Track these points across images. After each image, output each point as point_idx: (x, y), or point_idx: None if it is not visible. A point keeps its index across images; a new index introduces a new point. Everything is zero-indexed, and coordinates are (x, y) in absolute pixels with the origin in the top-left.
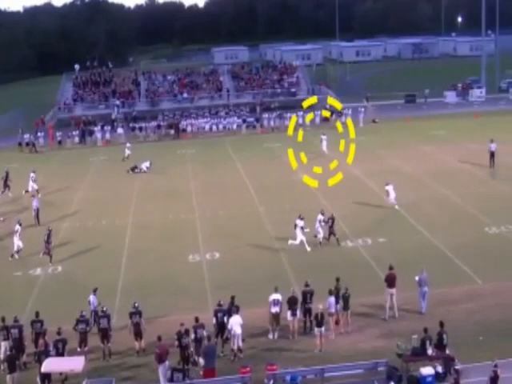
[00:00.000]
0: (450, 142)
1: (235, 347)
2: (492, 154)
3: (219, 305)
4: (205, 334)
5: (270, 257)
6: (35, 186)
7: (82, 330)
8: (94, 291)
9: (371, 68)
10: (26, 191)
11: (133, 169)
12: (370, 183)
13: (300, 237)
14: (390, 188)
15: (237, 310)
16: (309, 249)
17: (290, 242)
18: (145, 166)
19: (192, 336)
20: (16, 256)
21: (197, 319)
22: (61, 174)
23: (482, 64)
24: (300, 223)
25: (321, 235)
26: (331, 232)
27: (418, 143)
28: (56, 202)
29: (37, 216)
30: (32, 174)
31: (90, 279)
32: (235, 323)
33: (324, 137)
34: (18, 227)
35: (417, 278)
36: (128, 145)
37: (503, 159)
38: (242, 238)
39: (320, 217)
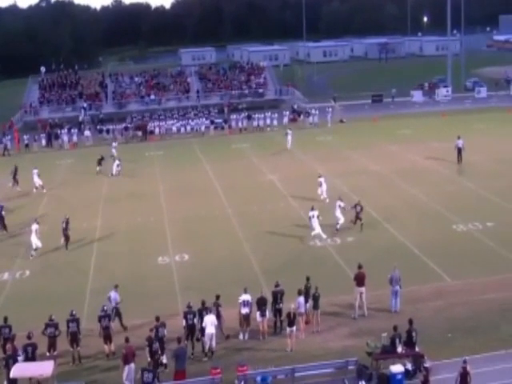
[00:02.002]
0: (417, 140)
1: (207, 347)
2: (459, 151)
3: (188, 307)
4: (165, 332)
5: (240, 258)
6: (40, 182)
7: (50, 334)
8: (116, 287)
9: (338, 68)
10: (36, 187)
11: (99, 161)
12: (337, 183)
13: (318, 227)
14: (322, 180)
15: (211, 310)
16: (325, 236)
17: (313, 233)
18: (115, 168)
19: (153, 335)
20: (34, 253)
21: (157, 318)
22: (27, 177)
23: (448, 63)
24: (314, 213)
25: (341, 221)
26: (358, 217)
27: (385, 143)
28: (23, 205)
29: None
30: (35, 170)
31: (59, 283)
32: (209, 322)
33: (289, 131)
34: (35, 226)
35: (388, 276)
36: (114, 144)
37: (469, 157)
38: (211, 240)
39: (339, 203)
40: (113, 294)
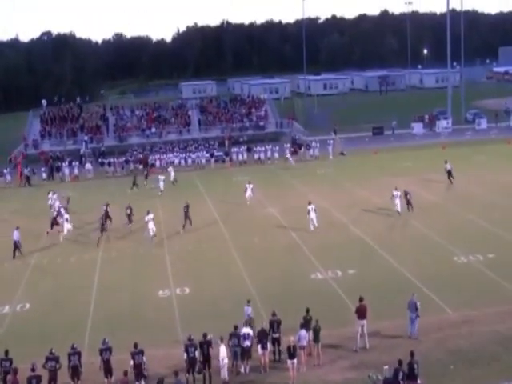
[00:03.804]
0: (417, 173)
1: (222, 377)
2: (449, 172)
3: (190, 339)
4: (144, 359)
5: (241, 290)
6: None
7: (51, 367)
8: (248, 302)
9: (339, 101)
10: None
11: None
12: (338, 215)
13: (314, 220)
14: (310, 208)
15: (221, 340)
16: (312, 228)
17: (312, 228)
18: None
19: (131, 362)
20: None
21: (135, 345)
22: (27, 209)
23: (448, 95)
24: (312, 207)
25: (398, 207)
26: (409, 203)
27: (386, 175)
28: (22, 238)
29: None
30: (51, 195)
31: (59, 316)
32: (223, 353)
33: (249, 185)
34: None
35: (407, 303)
36: (170, 168)
37: (469, 189)
38: (212, 273)
39: (395, 192)
40: (246, 309)
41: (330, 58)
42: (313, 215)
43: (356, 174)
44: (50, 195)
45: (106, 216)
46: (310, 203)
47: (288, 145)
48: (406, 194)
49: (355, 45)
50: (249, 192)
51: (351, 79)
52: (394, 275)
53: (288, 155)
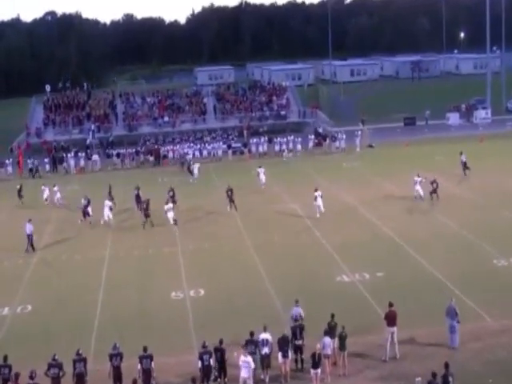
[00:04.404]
0: (452, 167)
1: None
2: (464, 164)
3: (204, 346)
4: (153, 365)
5: (259, 293)
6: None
7: (54, 375)
8: (297, 302)
9: (367, 88)
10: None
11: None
12: (364, 212)
13: (321, 207)
14: (317, 194)
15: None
16: (318, 215)
17: (318, 215)
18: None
19: (138, 366)
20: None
21: (145, 349)
22: (29, 203)
23: (487, 83)
24: (319, 193)
25: (420, 192)
26: (435, 191)
27: (417, 169)
28: (24, 237)
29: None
30: (55, 188)
31: (63, 318)
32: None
33: (261, 169)
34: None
35: (445, 310)
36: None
37: (507, 185)
38: (228, 273)
39: (417, 178)
40: (294, 310)
41: (357, 41)
42: (319, 202)
43: (385, 168)
44: (43, 187)
45: (138, 200)
46: (316, 190)
47: (312, 136)
48: (432, 182)
49: (385, 27)
50: (261, 176)
51: (381, 65)
52: (426, 278)
53: (285, 152)
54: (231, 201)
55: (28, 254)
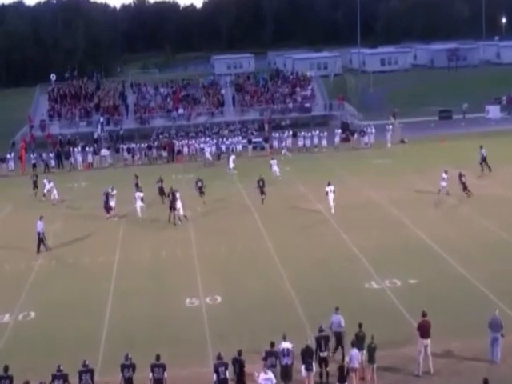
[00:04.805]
0: (493, 165)
1: None
2: (484, 160)
3: (219, 357)
4: (166, 376)
5: (281, 300)
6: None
7: None
8: (337, 309)
9: (399, 79)
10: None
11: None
12: (396, 213)
13: (331, 202)
14: (329, 189)
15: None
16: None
17: (333, 211)
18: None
19: (150, 375)
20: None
21: (157, 357)
22: (32, 201)
23: None
24: (331, 188)
25: (445, 189)
26: (465, 187)
27: (453, 166)
28: (28, 235)
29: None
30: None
31: (69, 327)
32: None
33: (274, 161)
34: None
35: (488, 321)
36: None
37: None
38: (247, 278)
39: (444, 175)
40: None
41: (388, 27)
42: (331, 197)
43: (418, 165)
44: (45, 181)
45: (161, 192)
46: (329, 184)
47: (339, 130)
48: (460, 176)
49: (419, 12)
50: (274, 168)
51: (414, 53)
52: (463, 286)
53: (284, 151)
54: (262, 192)
55: (39, 255)
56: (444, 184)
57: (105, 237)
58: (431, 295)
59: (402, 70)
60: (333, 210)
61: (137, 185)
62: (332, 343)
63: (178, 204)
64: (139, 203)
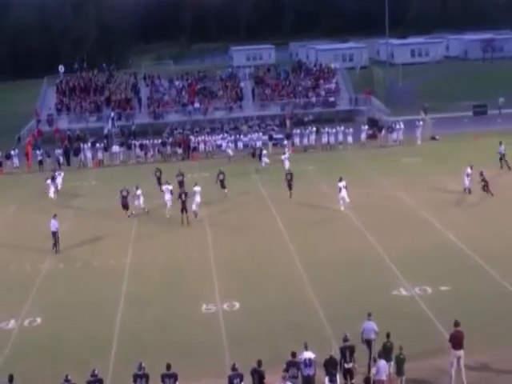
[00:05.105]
0: None
1: None
2: (503, 157)
3: (234, 369)
4: None
5: (303, 306)
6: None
7: None
8: (369, 315)
9: (430, 71)
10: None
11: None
12: (426, 215)
13: (346, 198)
14: (341, 185)
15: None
16: (342, 208)
17: (342, 208)
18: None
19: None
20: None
21: (168, 366)
22: (37, 202)
23: None
24: (343, 183)
25: (467, 187)
26: (486, 186)
27: (489, 167)
28: (33, 237)
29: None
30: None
31: (77, 333)
32: None
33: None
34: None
35: None
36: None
37: None
38: (267, 283)
39: (469, 171)
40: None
41: (419, 16)
42: (344, 193)
43: (450, 164)
44: (49, 182)
45: (181, 185)
46: (341, 180)
47: (365, 126)
48: (481, 174)
49: (451, 1)
50: (286, 162)
51: (446, 44)
52: (499, 293)
53: (285, 154)
54: (290, 186)
55: (46, 256)
56: (467, 181)
57: (116, 238)
58: (464, 303)
59: (434, 61)
60: (342, 208)
61: (159, 178)
62: (362, 352)
63: (198, 198)
64: (168, 196)
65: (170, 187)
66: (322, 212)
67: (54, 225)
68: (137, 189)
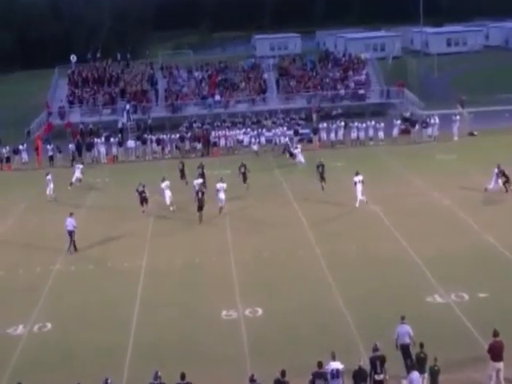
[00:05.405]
0: None
1: None
2: None
3: (252, 380)
4: None
5: (330, 313)
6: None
7: None
8: (403, 318)
9: (468, 62)
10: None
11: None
12: (463, 217)
13: (360, 193)
14: (357, 180)
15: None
16: (357, 205)
17: (357, 205)
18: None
19: None
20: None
21: (183, 376)
22: (47, 200)
23: None
24: (359, 178)
25: (491, 186)
26: (507, 181)
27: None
28: (43, 237)
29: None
30: (48, 177)
31: (89, 340)
32: None
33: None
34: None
35: None
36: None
37: None
38: (292, 289)
39: (497, 170)
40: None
41: (456, 2)
42: (359, 188)
43: (489, 161)
44: (77, 166)
45: (203, 176)
46: (357, 174)
47: (397, 121)
48: (502, 172)
49: None
50: (300, 156)
51: (485, 32)
52: None
53: (295, 149)
54: (322, 178)
55: (65, 257)
56: (494, 181)
57: (131, 238)
58: (504, 311)
59: (472, 51)
60: (357, 204)
61: (182, 171)
62: (396, 359)
63: (222, 195)
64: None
65: (201, 181)
66: (349, 211)
67: (70, 223)
68: (162, 181)
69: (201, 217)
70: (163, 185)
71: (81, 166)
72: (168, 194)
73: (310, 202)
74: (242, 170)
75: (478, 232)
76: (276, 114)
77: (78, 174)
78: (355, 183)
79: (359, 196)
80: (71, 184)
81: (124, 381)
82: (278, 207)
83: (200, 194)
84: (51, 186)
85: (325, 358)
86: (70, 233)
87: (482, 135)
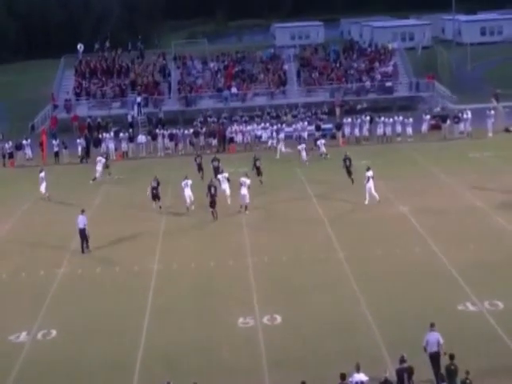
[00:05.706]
0: None
1: None
2: None
3: None
4: None
5: (353, 321)
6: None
7: None
8: (433, 326)
9: (503, 53)
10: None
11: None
12: (498, 219)
13: (372, 188)
14: (369, 174)
15: None
16: (366, 202)
17: (367, 202)
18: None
19: None
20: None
21: None
22: (52, 199)
23: None
24: (370, 173)
25: None
26: None
27: None
28: (48, 238)
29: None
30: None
31: (96, 348)
32: None
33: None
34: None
35: None
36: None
37: None
38: (313, 295)
39: None
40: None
41: None
42: (371, 184)
43: None
44: (98, 158)
45: (217, 172)
46: (368, 169)
47: (427, 116)
48: None
49: None
50: (303, 154)
51: None
52: None
53: (302, 144)
54: (349, 172)
55: (71, 259)
56: None
57: (142, 239)
58: None
59: (508, 41)
60: (366, 202)
61: (199, 165)
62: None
63: (244, 190)
64: (226, 185)
65: (226, 175)
66: (375, 213)
67: (82, 221)
68: (184, 179)
69: (214, 213)
70: (183, 183)
71: (103, 160)
72: (188, 193)
73: (332, 201)
74: (258, 163)
75: None
76: (297, 107)
77: (99, 167)
78: (368, 179)
79: (373, 192)
80: (94, 179)
81: None
82: (298, 205)
83: (213, 190)
84: (44, 184)
85: (348, 370)
86: (82, 231)
87: None
